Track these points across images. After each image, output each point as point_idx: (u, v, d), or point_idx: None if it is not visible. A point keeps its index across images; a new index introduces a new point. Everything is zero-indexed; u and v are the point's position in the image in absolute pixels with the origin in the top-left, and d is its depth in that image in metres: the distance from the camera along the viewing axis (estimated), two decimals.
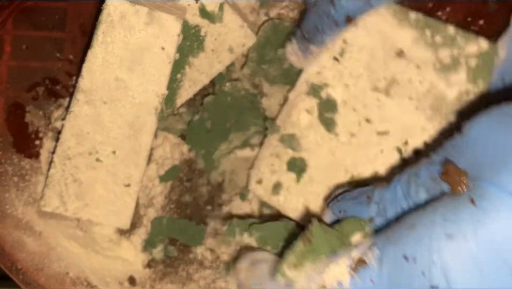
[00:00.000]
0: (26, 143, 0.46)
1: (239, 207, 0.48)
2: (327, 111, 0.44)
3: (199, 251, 0.47)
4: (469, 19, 0.46)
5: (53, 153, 0.44)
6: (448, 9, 0.47)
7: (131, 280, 0.46)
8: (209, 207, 0.48)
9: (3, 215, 0.44)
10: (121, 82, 0.43)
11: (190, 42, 0.45)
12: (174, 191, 0.48)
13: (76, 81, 0.44)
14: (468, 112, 0.41)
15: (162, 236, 0.47)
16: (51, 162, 0.43)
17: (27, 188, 0.45)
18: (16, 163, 0.45)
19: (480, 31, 0.46)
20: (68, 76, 0.47)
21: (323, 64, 0.44)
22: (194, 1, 0.44)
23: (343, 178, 0.44)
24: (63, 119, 0.45)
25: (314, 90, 0.44)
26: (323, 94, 0.44)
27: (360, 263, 0.28)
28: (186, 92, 0.47)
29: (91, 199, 0.43)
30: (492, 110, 0.28)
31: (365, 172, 0.44)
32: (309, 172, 0.45)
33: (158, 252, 0.47)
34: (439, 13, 0.47)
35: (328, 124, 0.44)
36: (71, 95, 0.46)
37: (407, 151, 0.44)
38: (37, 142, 0.46)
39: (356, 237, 0.32)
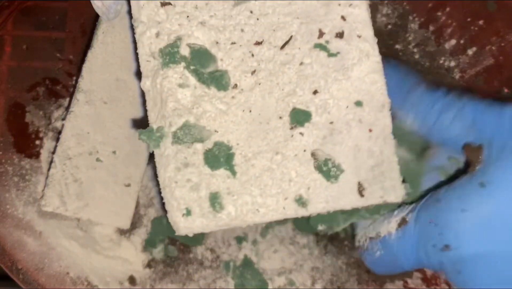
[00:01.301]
0: (26, 143, 0.46)
1: None
2: (203, 66, 0.33)
3: (199, 251, 0.47)
4: (468, 19, 0.46)
5: (53, 152, 0.44)
6: (448, 9, 0.47)
7: (131, 280, 0.46)
8: None
9: (4, 215, 0.44)
10: (122, 82, 0.43)
11: None
12: None
13: (76, 81, 0.44)
14: None
15: (162, 235, 0.47)
16: (51, 162, 0.43)
17: (27, 187, 0.45)
18: (17, 163, 0.46)
19: (480, 31, 0.46)
20: (68, 76, 0.47)
21: (152, 17, 0.34)
22: None
23: (282, 127, 0.33)
24: (63, 119, 0.45)
25: (169, 55, 0.33)
26: (183, 50, 0.33)
27: (404, 222, 0.36)
28: None
29: (91, 198, 0.43)
30: None
31: (301, 100, 0.33)
32: (239, 152, 0.33)
33: (158, 252, 0.47)
34: (439, 13, 0.47)
35: (216, 80, 0.33)
36: (71, 95, 0.46)
37: (332, 42, 0.34)
38: (37, 142, 0.46)
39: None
